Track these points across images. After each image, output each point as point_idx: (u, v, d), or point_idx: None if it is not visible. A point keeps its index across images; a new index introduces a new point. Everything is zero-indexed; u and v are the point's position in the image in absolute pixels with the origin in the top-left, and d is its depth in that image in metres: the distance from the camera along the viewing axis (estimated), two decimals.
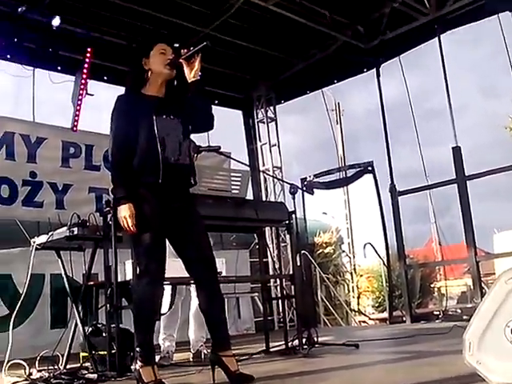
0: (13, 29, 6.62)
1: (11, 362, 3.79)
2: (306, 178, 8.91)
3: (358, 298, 12.11)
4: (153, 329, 3.04)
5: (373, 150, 8.85)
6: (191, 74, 3.07)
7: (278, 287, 6.48)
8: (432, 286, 12.99)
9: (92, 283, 4.34)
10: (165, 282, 4.04)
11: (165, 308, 4.30)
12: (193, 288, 4.53)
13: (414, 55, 8.34)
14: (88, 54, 7.22)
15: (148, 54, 3.12)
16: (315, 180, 8.99)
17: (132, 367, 2.95)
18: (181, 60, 3.07)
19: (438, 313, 7.02)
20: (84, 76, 7.25)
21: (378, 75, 8.24)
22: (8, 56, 6.83)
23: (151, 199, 2.97)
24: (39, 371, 3.65)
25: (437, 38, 7.54)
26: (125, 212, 2.91)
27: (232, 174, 4.39)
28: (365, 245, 10.42)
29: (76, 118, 7.34)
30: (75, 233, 3.85)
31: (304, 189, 7.40)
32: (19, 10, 6.50)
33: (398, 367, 3.22)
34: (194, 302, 4.55)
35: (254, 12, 7.45)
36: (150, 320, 3.03)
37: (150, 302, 3.00)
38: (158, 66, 3.08)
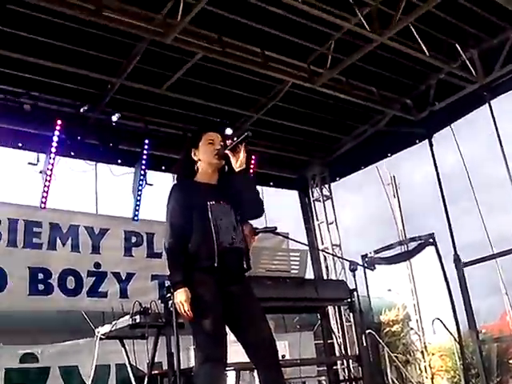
0: (75, 128, 7.03)
1: None
2: (366, 254, 8.74)
3: (432, 378, 11.46)
4: None
5: (433, 223, 8.67)
6: (237, 163, 3.13)
7: (346, 369, 6.25)
8: (511, 362, 12.19)
9: (156, 372, 4.33)
10: (228, 368, 4.02)
11: None
12: (256, 373, 4.43)
13: (467, 122, 8.28)
14: (146, 146, 7.55)
15: (197, 145, 3.22)
16: (376, 256, 8.81)
17: None
18: (226, 151, 3.15)
19: None
20: (143, 167, 7.57)
21: (431, 146, 8.18)
22: (72, 153, 7.23)
23: (208, 282, 2.98)
24: None
25: (487, 105, 7.49)
26: (181, 297, 2.92)
27: (291, 254, 4.38)
28: (433, 320, 9.97)
29: (137, 207, 7.61)
30: (137, 321, 3.89)
31: (365, 265, 7.27)
32: (81, 110, 6.93)
33: None
34: None
35: (302, 94, 7.65)
36: None
37: None
38: (207, 157, 3.17)
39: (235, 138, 3.15)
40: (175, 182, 3.32)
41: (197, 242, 3.02)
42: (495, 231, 9.43)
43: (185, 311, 2.91)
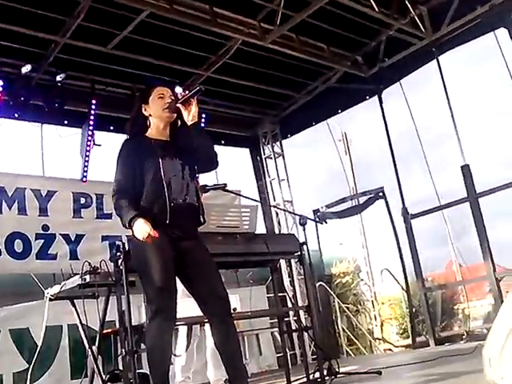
0: (19, 88, 6.80)
1: None
2: (318, 209, 8.89)
3: (382, 325, 11.89)
4: (168, 370, 3.02)
5: (384, 178, 8.85)
6: (189, 117, 3.12)
7: (297, 320, 6.40)
8: (455, 308, 12.74)
9: (109, 330, 4.35)
10: (179, 323, 4.07)
11: (181, 350, 4.29)
12: (207, 327, 4.52)
13: (416, 79, 8.39)
14: (93, 106, 7.38)
15: (147, 100, 3.20)
16: (327, 210, 8.96)
17: None
18: (178, 104, 3.12)
19: (462, 334, 6.89)
20: (90, 127, 7.41)
21: (381, 102, 8.31)
22: (16, 115, 7.00)
23: (161, 238, 2.98)
24: None
25: (435, 61, 7.60)
26: (139, 224, 2.95)
27: (242, 210, 4.40)
28: (382, 270, 10.31)
29: (85, 168, 7.48)
30: (87, 280, 3.86)
31: (315, 219, 7.40)
32: (23, 70, 6.69)
33: None
34: (210, 342, 4.54)
35: (252, 52, 7.58)
36: (164, 361, 3.00)
37: (163, 343, 2.98)
38: (157, 111, 3.16)
39: (187, 92, 3.13)
40: (126, 138, 3.28)
41: (148, 199, 3.03)
42: (444, 187, 9.69)
43: (149, 234, 2.92)
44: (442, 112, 7.70)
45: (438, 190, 8.13)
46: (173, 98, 3.17)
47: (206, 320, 3.74)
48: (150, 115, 3.18)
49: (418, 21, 7.34)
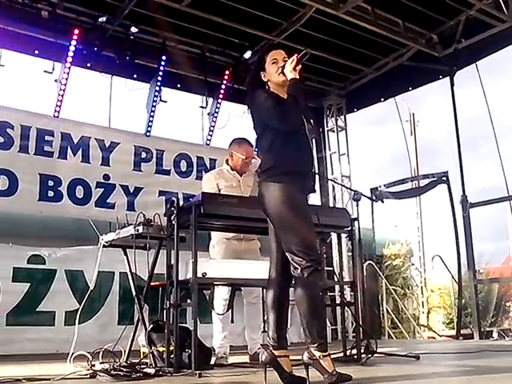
0: (93, 38, 6.95)
1: (76, 354, 3.95)
2: (376, 187, 8.75)
3: (428, 313, 11.75)
4: None
5: (448, 164, 8.57)
6: (290, 73, 3.10)
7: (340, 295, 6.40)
8: (508, 305, 12.44)
9: (156, 283, 4.48)
10: (222, 283, 4.16)
11: (221, 309, 4.38)
12: (244, 290, 4.59)
13: (493, 64, 8.06)
14: (162, 62, 7.48)
15: (264, 67, 3.22)
16: (386, 190, 8.81)
17: (305, 357, 2.92)
18: (288, 68, 3.11)
19: (509, 331, 6.73)
20: (158, 83, 7.53)
21: (452, 84, 8.03)
22: (88, 64, 7.17)
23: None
24: (101, 363, 3.78)
25: None
26: None
27: None
28: (433, 257, 10.13)
29: (150, 123, 7.64)
30: (140, 231, 3.97)
31: (372, 197, 7.29)
32: (99, 20, 6.83)
33: (454, 380, 3.12)
34: (244, 307, 4.63)
35: (325, 21, 7.44)
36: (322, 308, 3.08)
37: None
38: (272, 76, 3.18)
39: (297, 55, 3.11)
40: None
41: (294, 148, 3.07)
42: None
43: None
44: None
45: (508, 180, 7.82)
46: (286, 59, 3.17)
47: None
48: (269, 80, 3.20)
49: (501, 2, 6.99)
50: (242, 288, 4.59)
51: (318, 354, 2.83)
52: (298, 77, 3.09)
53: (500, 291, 12.00)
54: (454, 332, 9.15)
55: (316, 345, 2.84)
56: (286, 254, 2.97)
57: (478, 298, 7.43)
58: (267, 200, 3.05)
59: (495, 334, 9.12)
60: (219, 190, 4.57)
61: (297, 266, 2.91)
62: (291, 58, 3.10)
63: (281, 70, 3.13)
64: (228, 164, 4.79)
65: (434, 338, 10.08)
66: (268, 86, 3.20)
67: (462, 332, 7.62)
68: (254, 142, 3.95)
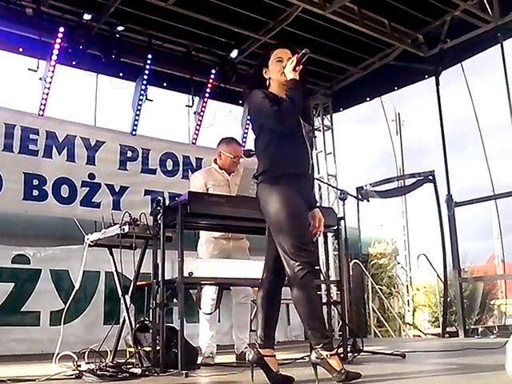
0: (78, 36, 6.90)
1: (62, 354, 3.92)
2: (362, 186, 8.78)
3: (414, 311, 11.83)
4: None
5: (433, 164, 8.64)
6: (291, 72, 3.06)
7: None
8: (492, 303, 12.56)
9: (143, 282, 4.46)
10: (209, 282, 4.15)
11: (208, 309, 4.38)
12: (233, 290, 4.60)
13: (478, 65, 8.11)
14: (148, 61, 7.45)
15: (267, 63, 3.19)
16: (372, 189, 8.84)
17: (313, 357, 2.91)
18: (288, 68, 3.08)
19: (493, 329, 6.80)
20: (144, 82, 7.51)
21: (438, 84, 8.09)
22: (73, 62, 7.13)
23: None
24: (87, 363, 3.76)
25: (499, 46, 7.32)
26: None
27: None
28: (419, 256, 10.20)
29: (135, 122, 7.61)
30: (126, 230, 3.95)
31: (358, 196, 7.32)
32: (85, 18, 6.78)
33: (441, 377, 3.15)
34: (233, 307, 4.63)
35: (312, 20, 7.45)
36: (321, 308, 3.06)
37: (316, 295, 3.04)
38: (275, 75, 3.15)
39: (298, 53, 3.09)
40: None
41: (284, 148, 3.05)
42: (498, 178, 9.42)
43: None
44: (503, 99, 7.44)
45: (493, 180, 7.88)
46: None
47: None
48: (270, 78, 3.18)
49: (486, 3, 7.06)
50: (232, 288, 4.59)
51: (325, 353, 2.82)
52: (297, 77, 3.06)
53: (484, 289, 12.13)
54: (439, 330, 9.22)
55: (321, 345, 2.83)
56: (281, 255, 2.95)
57: (463, 296, 7.49)
58: (263, 201, 3.04)
59: (480, 332, 9.21)
60: (207, 189, 4.57)
61: (291, 267, 2.90)
62: (291, 59, 3.08)
63: (283, 71, 3.11)
64: (216, 163, 4.79)
65: (419, 336, 10.14)
66: (269, 83, 3.18)
67: (447, 330, 7.68)
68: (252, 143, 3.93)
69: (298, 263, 2.87)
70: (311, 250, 3.00)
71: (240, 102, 8.69)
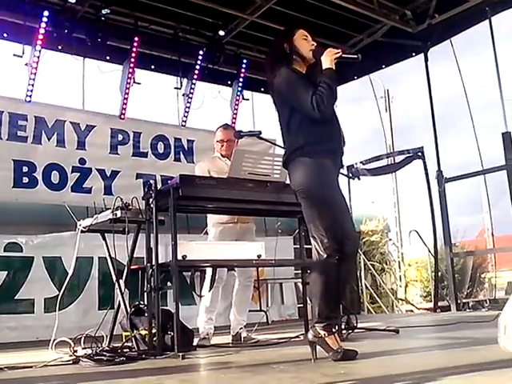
0: (63, 21, 6.81)
1: (58, 340, 3.94)
2: (352, 165, 8.78)
3: (406, 287, 11.96)
4: None
5: (423, 140, 8.63)
6: (328, 62, 3.09)
7: None
8: (483, 276, 12.71)
9: (136, 266, 4.47)
10: (205, 265, 4.16)
11: (205, 291, 4.39)
12: (237, 271, 4.61)
13: (467, 42, 8.08)
14: (135, 44, 7.37)
15: (291, 40, 3.22)
16: (362, 167, 8.84)
17: (310, 336, 2.97)
18: (325, 57, 3.10)
19: (484, 302, 6.88)
20: (131, 65, 7.43)
21: (426, 59, 8.07)
22: (59, 47, 7.04)
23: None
24: (84, 349, 3.78)
25: (488, 22, 7.30)
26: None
27: (275, 159, 4.37)
28: (410, 232, 10.26)
29: (124, 105, 7.55)
30: (118, 215, 3.94)
31: (349, 175, 7.33)
32: (69, 1, 6.69)
33: (435, 352, 3.19)
34: (236, 287, 4.65)
35: None
36: (338, 292, 3.02)
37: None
38: (304, 50, 3.19)
39: (347, 53, 3.22)
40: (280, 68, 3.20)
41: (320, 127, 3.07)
42: (488, 154, 9.45)
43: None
44: (492, 75, 7.44)
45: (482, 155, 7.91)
46: (315, 42, 3.21)
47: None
48: (292, 53, 3.20)
49: None
50: (236, 269, 4.60)
51: (322, 332, 2.87)
52: (334, 67, 3.08)
53: (475, 263, 12.26)
54: (431, 305, 9.33)
55: (322, 324, 2.88)
56: (310, 236, 2.98)
57: (454, 270, 7.56)
58: (296, 176, 3.07)
59: (471, 306, 9.33)
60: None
61: (315, 249, 2.93)
62: (337, 50, 3.11)
63: (313, 50, 3.16)
64: (217, 151, 4.82)
65: (412, 311, 10.26)
66: (290, 58, 3.20)
67: (439, 304, 7.76)
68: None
69: (323, 246, 2.89)
70: (340, 234, 2.92)
71: (228, 82, 8.65)
